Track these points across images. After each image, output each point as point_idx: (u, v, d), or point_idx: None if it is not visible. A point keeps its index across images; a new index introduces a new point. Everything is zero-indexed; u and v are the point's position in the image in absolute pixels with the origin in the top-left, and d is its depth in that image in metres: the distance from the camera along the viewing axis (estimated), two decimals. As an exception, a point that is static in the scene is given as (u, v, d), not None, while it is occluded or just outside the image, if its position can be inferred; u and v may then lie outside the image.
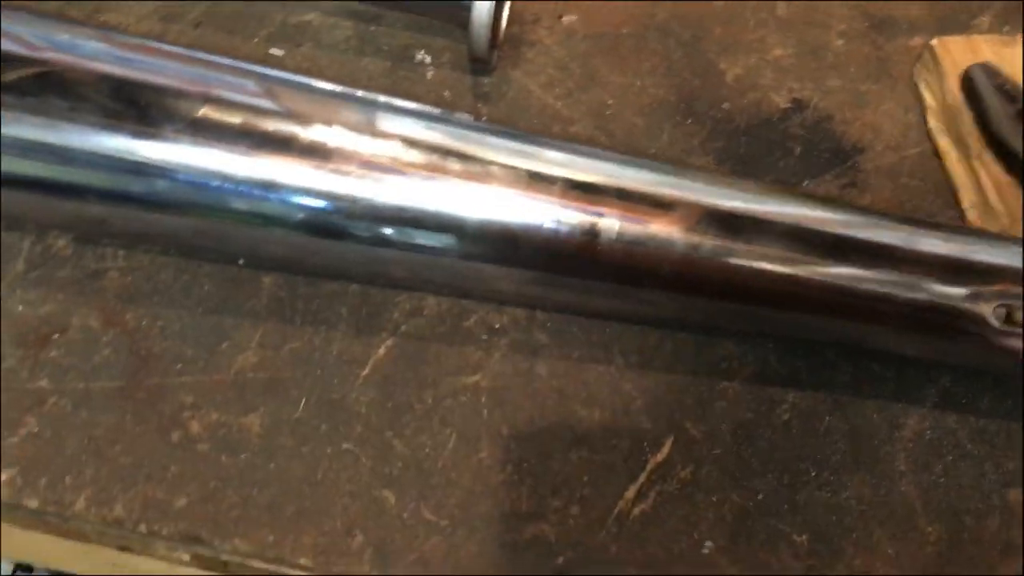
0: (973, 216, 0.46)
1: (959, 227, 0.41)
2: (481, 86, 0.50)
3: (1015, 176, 0.44)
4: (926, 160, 0.48)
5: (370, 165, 0.37)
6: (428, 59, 0.51)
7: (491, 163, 0.38)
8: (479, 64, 0.49)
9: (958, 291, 0.37)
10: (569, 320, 0.43)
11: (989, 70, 0.47)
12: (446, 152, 0.38)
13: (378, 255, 0.39)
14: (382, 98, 0.39)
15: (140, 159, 0.36)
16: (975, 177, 0.46)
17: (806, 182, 0.47)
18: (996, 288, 0.38)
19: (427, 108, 0.39)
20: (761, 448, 0.40)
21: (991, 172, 0.45)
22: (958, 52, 0.49)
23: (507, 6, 0.51)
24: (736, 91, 0.50)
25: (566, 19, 0.53)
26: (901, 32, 0.52)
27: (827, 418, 0.41)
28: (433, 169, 0.37)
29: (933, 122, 0.49)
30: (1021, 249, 0.39)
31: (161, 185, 0.36)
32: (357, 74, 0.50)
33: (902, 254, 0.38)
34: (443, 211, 0.37)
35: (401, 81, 0.50)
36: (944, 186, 0.47)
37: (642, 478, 0.39)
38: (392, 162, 0.37)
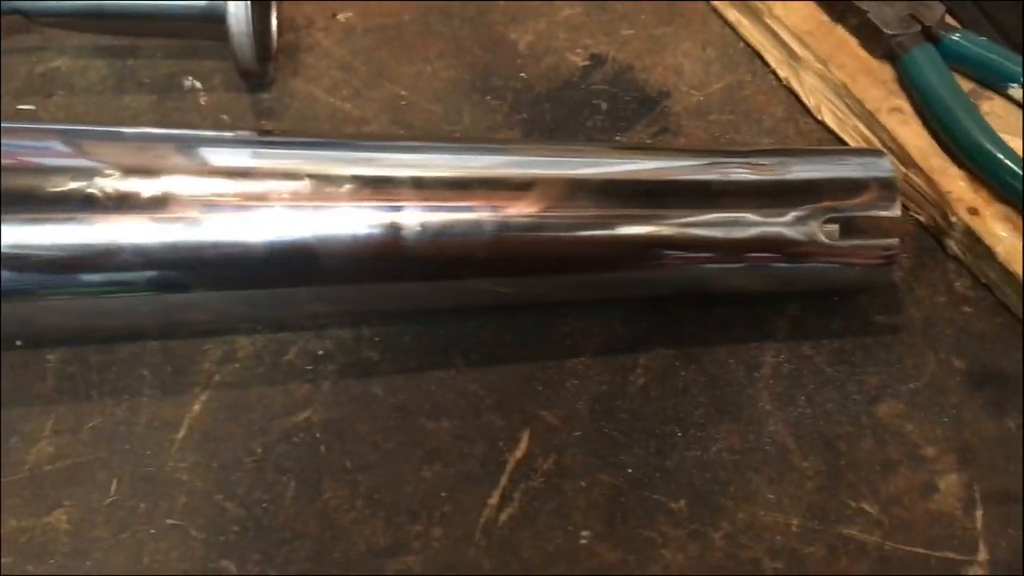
0: (784, 71, 0.46)
1: (776, 149, 0.40)
2: (261, 102, 0.46)
3: (834, 17, 0.46)
4: (732, 92, 0.47)
5: (128, 205, 0.32)
6: (198, 84, 0.46)
7: (268, 176, 0.34)
8: (253, 78, 0.45)
9: (782, 217, 0.36)
10: (399, 331, 0.39)
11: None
12: (215, 175, 0.34)
13: (165, 302, 0.35)
14: (127, 130, 0.35)
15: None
16: (774, 36, 0.46)
17: (618, 136, 0.45)
18: (822, 204, 0.36)
19: (186, 132, 0.35)
20: (622, 420, 0.38)
21: (789, 24, 0.46)
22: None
23: (274, 13, 0.48)
24: (531, 58, 0.48)
25: (342, 16, 0.49)
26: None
27: (683, 374, 0.39)
28: (205, 203, 0.33)
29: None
30: (835, 159, 0.37)
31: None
32: (120, 114, 0.45)
33: (719, 188, 0.36)
34: (222, 240, 0.33)
35: (172, 113, 0.45)
36: (753, 113, 0.46)
37: (504, 481, 0.36)
38: (155, 199, 0.33)
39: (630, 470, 0.37)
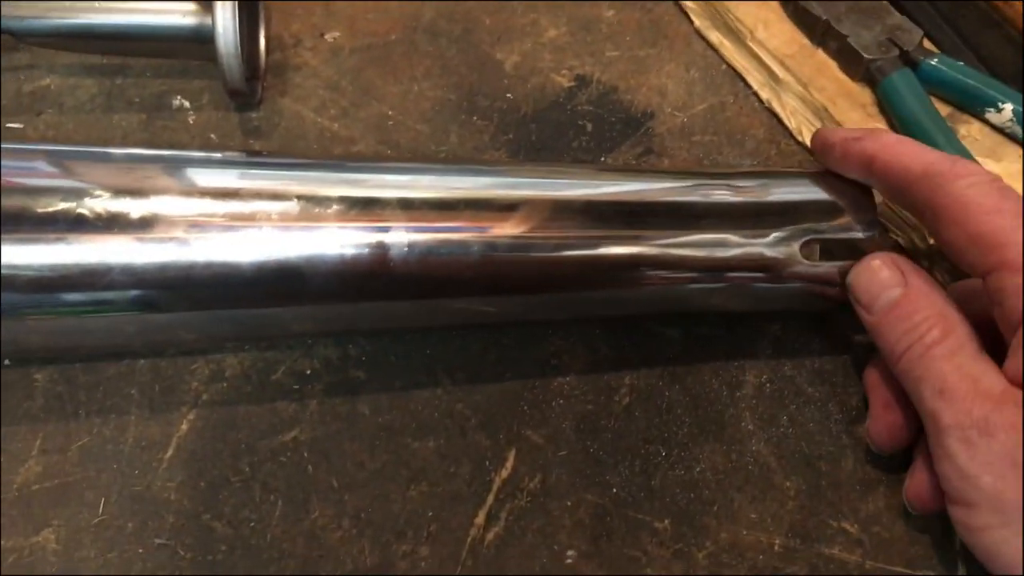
0: (766, 93, 0.47)
1: (757, 171, 0.40)
2: (250, 121, 0.46)
3: (814, 40, 0.47)
4: (715, 114, 0.47)
5: (117, 225, 0.33)
6: (187, 104, 0.47)
7: (255, 197, 0.34)
8: (241, 98, 0.46)
9: (762, 238, 0.36)
10: (386, 349, 0.40)
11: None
12: (203, 195, 0.34)
13: (154, 322, 0.35)
14: (116, 150, 0.35)
15: None
16: (756, 58, 0.47)
17: (604, 157, 0.46)
18: (802, 226, 0.37)
19: (174, 153, 0.36)
20: (607, 439, 0.38)
21: (771, 48, 0.47)
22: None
23: (262, 33, 0.48)
24: (517, 79, 0.49)
25: (329, 36, 0.50)
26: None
27: (667, 393, 0.39)
28: (193, 223, 0.33)
29: (698, 21, 0.50)
30: (815, 181, 0.38)
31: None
32: (110, 133, 0.45)
33: (701, 210, 0.37)
34: (210, 260, 0.33)
35: (161, 132, 0.46)
36: (736, 134, 0.47)
37: (490, 500, 0.37)
38: (144, 219, 0.33)
39: (615, 489, 0.37)
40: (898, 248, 0.43)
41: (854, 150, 0.36)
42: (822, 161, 0.38)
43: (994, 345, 0.32)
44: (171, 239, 0.33)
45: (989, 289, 0.32)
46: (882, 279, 0.35)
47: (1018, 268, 0.30)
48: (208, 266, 0.33)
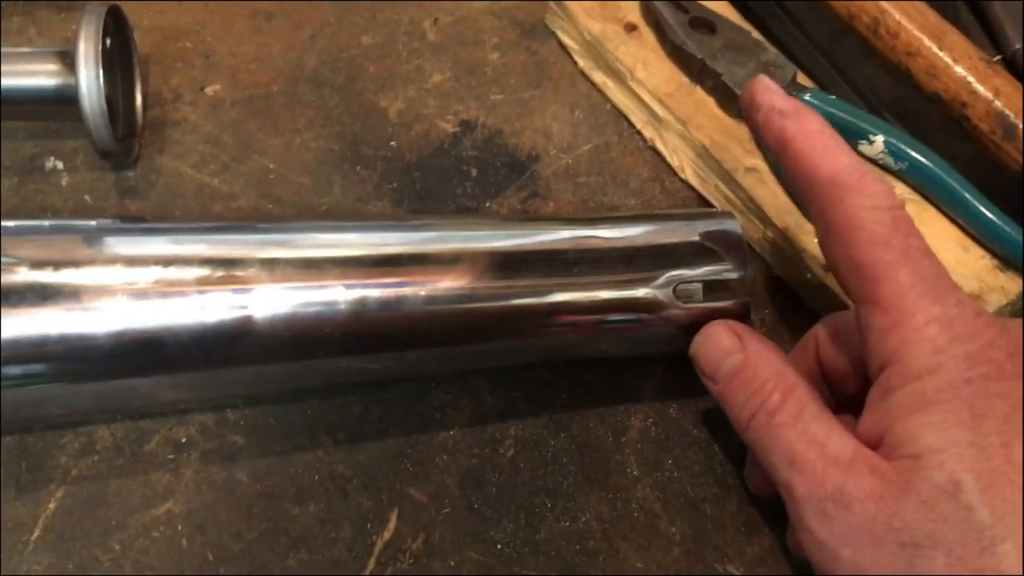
0: (649, 132, 0.47)
1: (629, 216, 0.40)
2: (125, 181, 0.45)
3: (692, 78, 0.47)
4: (599, 154, 0.48)
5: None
6: (60, 165, 0.45)
7: (113, 263, 0.33)
8: (114, 158, 0.45)
9: (636, 283, 0.36)
10: (265, 412, 0.39)
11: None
12: (55, 266, 0.33)
13: (12, 397, 0.34)
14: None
15: None
16: (637, 98, 0.47)
17: (488, 203, 0.46)
18: (675, 270, 0.37)
19: (25, 223, 0.34)
20: (491, 494, 0.37)
21: (651, 87, 0.47)
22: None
23: (138, 88, 0.47)
24: (401, 126, 0.48)
25: (209, 89, 0.49)
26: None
27: (552, 442, 0.39)
28: (45, 294, 0.32)
29: (581, 62, 0.50)
30: (689, 223, 0.38)
31: None
32: (-22, 199, 0.44)
33: (574, 257, 0.37)
34: (67, 333, 0.32)
35: (33, 195, 0.44)
36: (620, 174, 0.47)
37: (371, 564, 0.36)
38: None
39: (499, 546, 0.36)
40: (780, 282, 0.43)
41: (775, 125, 0.34)
42: (744, 114, 0.36)
43: (864, 384, 0.32)
44: (22, 311, 0.32)
45: (859, 322, 0.31)
46: (723, 347, 0.34)
47: (887, 308, 0.30)
48: (61, 339, 0.32)
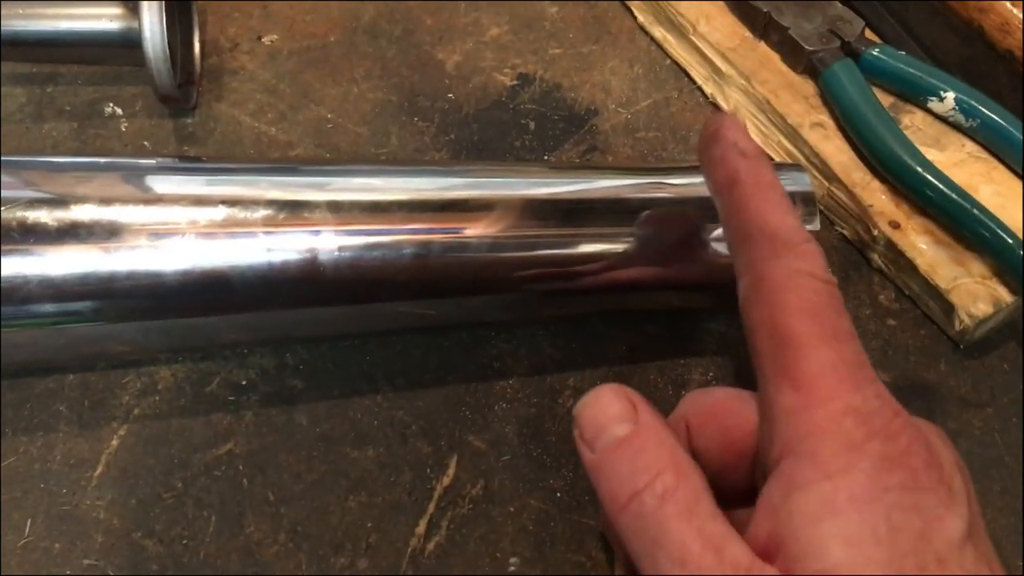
0: (710, 88, 0.47)
1: (697, 167, 0.40)
2: (184, 128, 0.45)
3: (756, 33, 0.46)
4: (659, 110, 0.47)
5: (34, 236, 0.32)
6: (119, 111, 0.46)
7: (180, 203, 0.33)
8: (174, 104, 0.45)
9: (702, 232, 0.36)
10: (324, 357, 0.39)
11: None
12: (125, 202, 0.33)
13: (77, 335, 0.34)
14: (32, 158, 0.34)
15: None
16: (698, 53, 0.47)
17: (547, 155, 0.45)
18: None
19: (94, 159, 0.35)
20: (550, 443, 0.37)
21: (713, 41, 0.46)
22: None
23: (196, 37, 0.47)
24: (459, 79, 0.48)
25: (267, 39, 0.49)
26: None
27: (611, 394, 0.38)
28: (115, 231, 0.32)
29: (641, 16, 0.50)
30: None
31: None
32: (40, 143, 0.44)
33: (640, 206, 0.36)
34: (134, 270, 0.32)
35: (93, 140, 0.45)
36: (680, 130, 0.46)
37: (431, 508, 0.36)
38: (63, 229, 0.32)
39: (559, 494, 0.36)
40: (844, 239, 0.42)
41: (731, 161, 0.30)
42: (701, 147, 0.32)
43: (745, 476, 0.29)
44: (90, 248, 0.32)
45: (763, 399, 0.28)
46: (611, 412, 0.28)
47: (802, 387, 0.26)
48: (130, 276, 0.32)
